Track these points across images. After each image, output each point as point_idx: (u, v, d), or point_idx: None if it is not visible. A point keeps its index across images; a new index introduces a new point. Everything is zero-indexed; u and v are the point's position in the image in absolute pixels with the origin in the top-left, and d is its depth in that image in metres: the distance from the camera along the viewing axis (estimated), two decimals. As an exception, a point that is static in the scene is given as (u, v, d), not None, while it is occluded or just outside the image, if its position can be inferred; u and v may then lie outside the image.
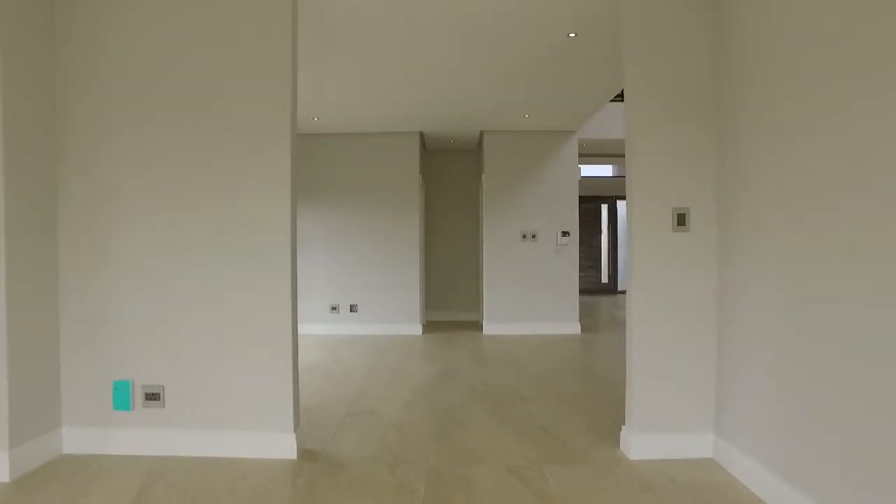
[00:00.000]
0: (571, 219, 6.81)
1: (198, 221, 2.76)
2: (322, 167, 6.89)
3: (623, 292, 12.26)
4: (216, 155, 2.75)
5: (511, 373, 4.72)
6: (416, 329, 6.82)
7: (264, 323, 2.77)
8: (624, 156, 9.29)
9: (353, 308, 6.87)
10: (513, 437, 3.11)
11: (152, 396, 2.75)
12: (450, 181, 8.02)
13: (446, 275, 8.00)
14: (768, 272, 2.27)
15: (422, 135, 7.02)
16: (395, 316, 6.84)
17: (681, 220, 2.74)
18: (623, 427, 2.89)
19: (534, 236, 6.79)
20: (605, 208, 12.21)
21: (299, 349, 5.85)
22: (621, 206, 12.43)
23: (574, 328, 6.79)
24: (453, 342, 6.27)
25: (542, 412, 3.56)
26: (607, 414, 3.52)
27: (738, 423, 2.50)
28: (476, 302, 7.94)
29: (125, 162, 2.75)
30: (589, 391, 4.10)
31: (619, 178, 12.59)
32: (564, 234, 6.77)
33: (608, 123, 7.37)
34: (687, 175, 2.74)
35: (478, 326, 7.35)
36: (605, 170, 12.71)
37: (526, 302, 6.78)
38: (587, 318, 8.23)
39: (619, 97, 7.26)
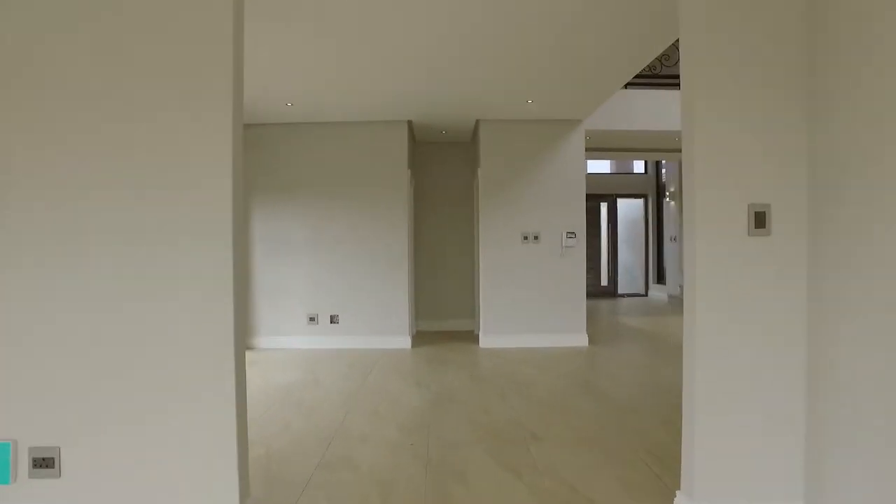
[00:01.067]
0: (578, 218, 6.12)
1: (104, 213, 2.02)
2: (298, 160, 6.15)
3: (623, 296, 11.61)
4: (130, 119, 2.01)
5: (517, 399, 4.02)
6: (405, 342, 6.10)
7: (198, 356, 2.04)
8: (631, 151, 8.66)
9: (333, 319, 6.13)
10: (528, 498, 2.40)
11: (43, 463, 2.01)
12: (442, 176, 7.30)
13: (438, 280, 7.29)
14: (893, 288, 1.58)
15: (410, 124, 6.30)
16: (382, 327, 6.12)
17: (759, 220, 2.04)
18: (678, 494, 2.20)
19: (536, 237, 6.10)
20: (604, 207, 11.57)
21: (271, 367, 5.11)
22: (622, 204, 11.79)
23: (581, 340, 6.10)
24: (447, 358, 5.55)
25: (560, 458, 2.86)
26: (643, 460, 2.83)
27: (840, 492, 1.82)
28: (471, 309, 7.24)
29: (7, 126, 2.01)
30: (613, 425, 3.41)
31: (619, 175, 11.95)
32: (570, 234, 6.08)
33: (614, 113, 6.70)
34: (768, 160, 2.05)
35: (473, 338, 6.65)
36: (604, 166, 12.08)
37: (527, 311, 6.08)
38: (590, 326, 7.55)
39: (629, 84, 6.60)
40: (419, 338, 6.70)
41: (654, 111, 6.71)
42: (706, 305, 2.07)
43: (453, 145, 7.29)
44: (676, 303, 9.93)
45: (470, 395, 4.14)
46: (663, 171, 11.27)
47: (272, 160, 6.13)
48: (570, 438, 3.18)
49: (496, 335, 6.08)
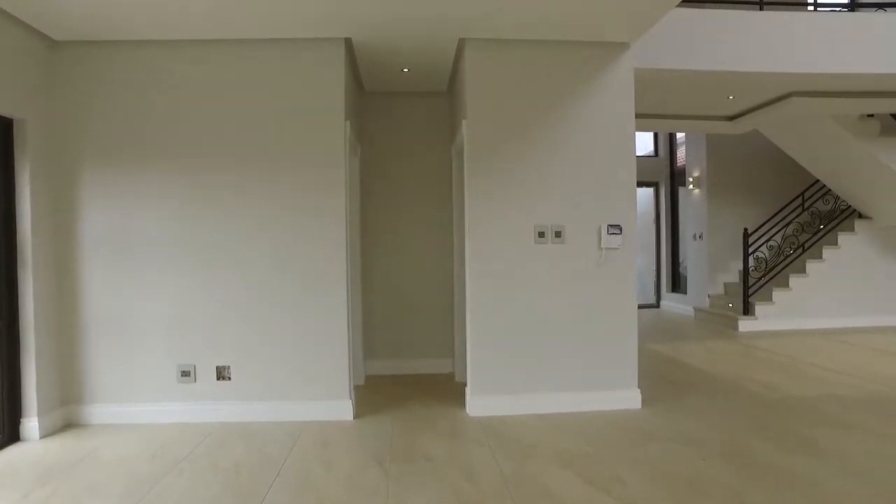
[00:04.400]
0: (624, 203, 3.80)
1: None
2: (156, 107, 3.62)
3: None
4: None
5: None
6: (343, 408, 3.65)
7: None
8: (688, 118, 6.30)
9: (222, 373, 3.64)
10: None
11: None
12: (404, 143, 4.87)
13: (398, 301, 4.86)
14: None
15: (349, 47, 3.85)
16: (304, 384, 3.66)
17: None
18: None
19: (557, 234, 3.75)
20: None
21: (70, 488, 2.59)
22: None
23: (630, 400, 3.78)
24: (416, 448, 3.13)
25: None
26: None
27: None
28: (448, 344, 4.84)
29: None
30: None
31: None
32: (613, 229, 3.75)
33: (669, 44, 4.44)
34: None
35: (454, 389, 4.25)
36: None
37: (542, 353, 3.73)
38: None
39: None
40: (369, 392, 4.26)
41: (735, 43, 4.47)
42: None
43: (422, 97, 4.87)
44: (707, 318, 7.74)
45: None
46: (679, 151, 9.12)
47: (110, 106, 3.60)
48: None
49: (493, 394, 3.69)
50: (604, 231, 3.74)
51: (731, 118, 6.49)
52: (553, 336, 3.73)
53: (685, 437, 3.22)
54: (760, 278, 7.09)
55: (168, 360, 3.61)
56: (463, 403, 3.88)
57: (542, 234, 3.73)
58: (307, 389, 3.64)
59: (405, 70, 4.30)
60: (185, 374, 3.61)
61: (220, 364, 3.63)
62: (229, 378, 3.63)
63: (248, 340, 3.63)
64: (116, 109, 3.59)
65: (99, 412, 3.57)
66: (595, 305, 3.76)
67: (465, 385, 3.87)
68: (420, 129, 4.86)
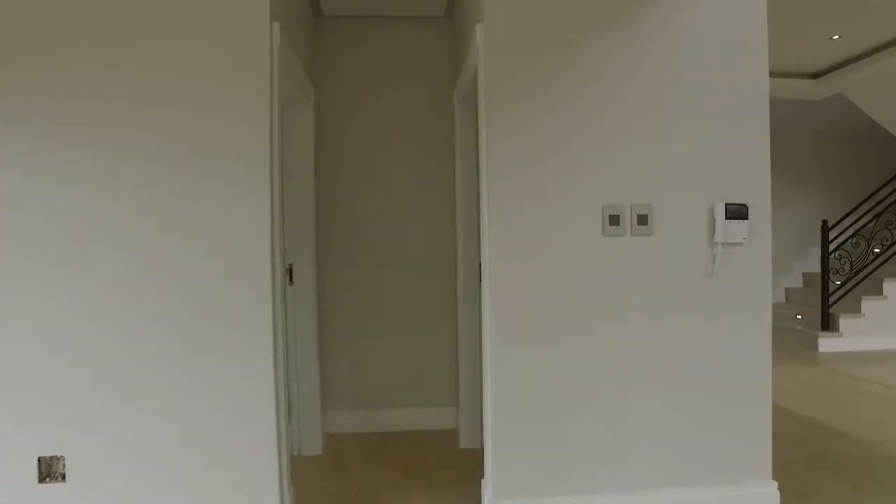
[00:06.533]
0: (751, 169, 2.24)
1: None
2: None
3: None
4: None
5: None
6: (271, 529, 2.07)
7: None
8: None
9: (49, 469, 2.04)
10: None
11: None
12: (382, 87, 3.30)
13: (373, 325, 3.30)
14: None
15: None
16: (201, 486, 2.07)
17: None
18: None
19: (642, 219, 2.18)
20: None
21: None
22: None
23: (761, 498, 2.23)
24: None
25: None
26: None
27: None
28: (448, 387, 3.28)
29: None
30: None
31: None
32: (734, 212, 2.19)
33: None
34: None
35: (460, 465, 2.68)
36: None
37: (613, 424, 2.17)
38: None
39: None
40: (325, 472, 2.69)
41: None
42: None
43: (409, 25, 3.30)
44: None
45: None
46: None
47: None
48: None
49: (530, 496, 2.13)
50: (718, 214, 2.18)
51: (816, 75, 4.97)
52: (628, 395, 2.18)
53: None
54: (844, 283, 5.57)
55: (-46, 446, 2.02)
56: (478, 498, 2.31)
57: (614, 221, 2.16)
58: (208, 495, 2.06)
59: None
60: (-18, 472, 2.02)
61: (47, 454, 2.04)
62: (62, 478, 2.04)
63: (98, 412, 2.04)
64: None
65: None
66: (702, 343, 2.20)
67: (475, 456, 2.34)
68: (407, 70, 3.29)
